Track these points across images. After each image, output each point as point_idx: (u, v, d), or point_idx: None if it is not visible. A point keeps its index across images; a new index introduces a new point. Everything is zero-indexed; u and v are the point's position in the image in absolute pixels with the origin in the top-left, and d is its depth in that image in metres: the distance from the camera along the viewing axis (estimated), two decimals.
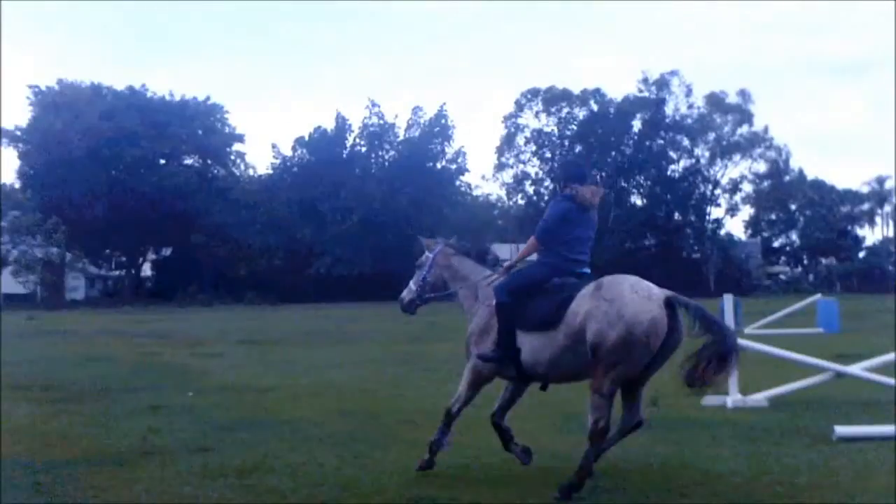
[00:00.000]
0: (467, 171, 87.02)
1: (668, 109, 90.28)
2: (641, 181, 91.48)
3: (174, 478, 8.53)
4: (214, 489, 8.08)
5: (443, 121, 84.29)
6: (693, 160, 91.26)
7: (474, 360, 8.37)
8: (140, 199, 77.03)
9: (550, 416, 11.54)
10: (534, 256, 8.58)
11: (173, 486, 8.22)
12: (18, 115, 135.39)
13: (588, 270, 8.26)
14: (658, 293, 7.49)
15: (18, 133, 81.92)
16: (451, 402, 8.52)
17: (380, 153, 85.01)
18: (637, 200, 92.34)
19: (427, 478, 8.36)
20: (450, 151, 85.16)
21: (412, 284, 9.06)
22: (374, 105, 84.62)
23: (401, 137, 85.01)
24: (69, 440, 10.49)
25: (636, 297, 7.41)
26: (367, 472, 8.67)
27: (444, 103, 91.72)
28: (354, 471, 8.71)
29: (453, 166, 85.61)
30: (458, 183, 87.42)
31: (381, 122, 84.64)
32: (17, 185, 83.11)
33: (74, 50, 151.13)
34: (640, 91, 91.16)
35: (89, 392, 15.06)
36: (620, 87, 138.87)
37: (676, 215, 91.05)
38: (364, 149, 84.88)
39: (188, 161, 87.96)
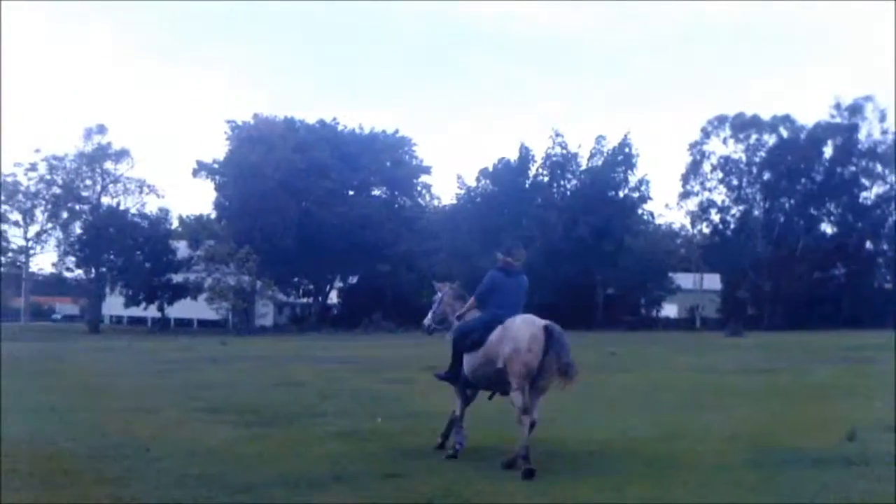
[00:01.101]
0: (650, 199, 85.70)
1: (861, 135, 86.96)
2: (832, 209, 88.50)
3: (367, 503, 8.69)
4: None
5: (626, 149, 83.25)
6: (887, 187, 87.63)
7: None
8: (329, 229, 79.33)
9: (742, 449, 11.27)
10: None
11: None
12: (216, 148, 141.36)
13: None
14: (540, 321, 10.36)
15: (216, 166, 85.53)
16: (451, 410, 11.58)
17: (562, 182, 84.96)
18: (827, 228, 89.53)
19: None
20: (633, 180, 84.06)
21: (429, 314, 12.42)
22: (557, 135, 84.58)
23: (583, 167, 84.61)
24: (264, 463, 10.81)
25: (522, 324, 10.35)
26: (553, 500, 8.61)
27: (629, 132, 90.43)
28: (545, 500, 8.68)
29: (636, 195, 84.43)
30: (640, 211, 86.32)
31: (564, 151, 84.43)
32: (213, 216, 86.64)
33: (270, 86, 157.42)
34: (833, 117, 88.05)
35: (280, 416, 15.48)
36: (811, 113, 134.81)
37: (868, 244, 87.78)
38: (546, 178, 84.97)
39: (376, 192, 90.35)
